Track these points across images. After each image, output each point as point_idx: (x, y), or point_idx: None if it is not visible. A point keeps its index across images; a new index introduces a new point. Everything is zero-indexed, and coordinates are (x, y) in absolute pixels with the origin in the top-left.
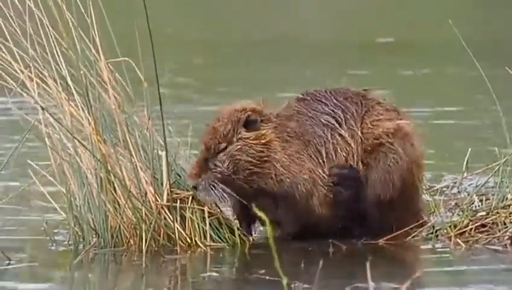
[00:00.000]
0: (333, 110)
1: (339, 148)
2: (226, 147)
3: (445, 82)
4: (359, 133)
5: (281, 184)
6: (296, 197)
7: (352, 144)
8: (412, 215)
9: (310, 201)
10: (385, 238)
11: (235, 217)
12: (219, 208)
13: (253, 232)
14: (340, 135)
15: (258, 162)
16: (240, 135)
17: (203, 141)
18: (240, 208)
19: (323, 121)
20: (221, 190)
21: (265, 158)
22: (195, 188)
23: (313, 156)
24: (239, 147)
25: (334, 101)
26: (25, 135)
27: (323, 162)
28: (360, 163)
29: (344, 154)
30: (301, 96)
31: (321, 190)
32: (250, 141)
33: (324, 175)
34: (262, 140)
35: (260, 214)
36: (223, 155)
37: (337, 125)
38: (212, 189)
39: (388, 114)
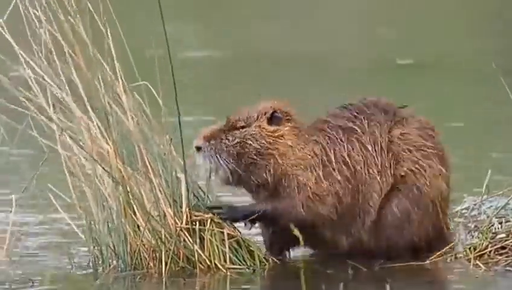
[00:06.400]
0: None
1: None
2: (243, 127)
3: (464, 101)
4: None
5: (274, 177)
6: (287, 191)
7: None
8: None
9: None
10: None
11: (265, 241)
12: (238, 230)
13: (287, 257)
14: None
15: (263, 153)
16: (259, 123)
17: (227, 116)
18: (271, 232)
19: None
20: (221, 162)
21: (270, 150)
22: (198, 149)
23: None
24: (253, 132)
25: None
26: (45, 159)
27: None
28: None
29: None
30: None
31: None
32: (266, 132)
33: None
34: (276, 134)
35: (296, 232)
36: (237, 132)
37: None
38: (213, 157)
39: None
